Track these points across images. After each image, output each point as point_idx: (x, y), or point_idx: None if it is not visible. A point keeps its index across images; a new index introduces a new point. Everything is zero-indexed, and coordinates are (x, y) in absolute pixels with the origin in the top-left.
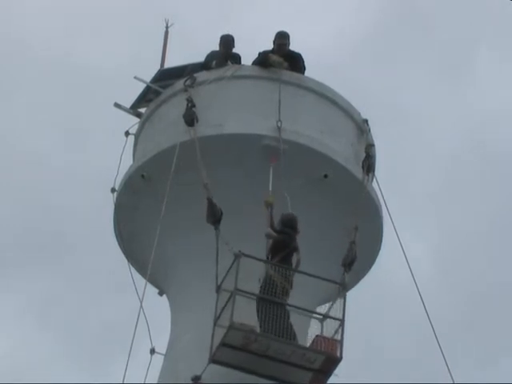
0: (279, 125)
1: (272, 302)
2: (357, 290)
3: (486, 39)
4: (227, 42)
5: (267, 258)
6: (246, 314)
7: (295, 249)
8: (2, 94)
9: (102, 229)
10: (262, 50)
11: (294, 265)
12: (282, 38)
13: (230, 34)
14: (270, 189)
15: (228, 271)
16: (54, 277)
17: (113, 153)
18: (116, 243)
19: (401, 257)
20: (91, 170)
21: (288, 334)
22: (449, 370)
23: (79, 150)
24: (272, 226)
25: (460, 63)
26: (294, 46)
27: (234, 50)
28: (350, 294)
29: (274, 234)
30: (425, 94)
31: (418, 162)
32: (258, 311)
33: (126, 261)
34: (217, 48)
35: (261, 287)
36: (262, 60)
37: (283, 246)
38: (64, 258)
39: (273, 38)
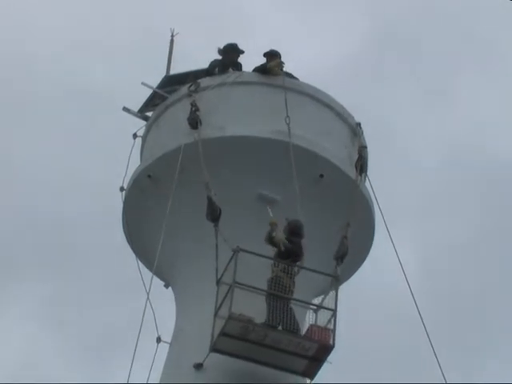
0: (287, 121)
1: (278, 296)
2: (350, 282)
3: (468, 63)
4: (232, 49)
5: (274, 263)
6: (245, 305)
7: (301, 255)
8: (14, 105)
9: (109, 230)
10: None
11: (296, 270)
12: (272, 52)
13: (235, 43)
14: (271, 214)
15: (227, 265)
16: (63, 276)
17: (121, 154)
18: (122, 244)
19: (392, 254)
20: (100, 171)
21: (293, 326)
22: (440, 368)
23: (89, 150)
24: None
25: (443, 85)
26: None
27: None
28: (343, 287)
29: (286, 241)
30: (411, 111)
31: (404, 173)
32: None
33: (132, 260)
34: (219, 57)
35: (269, 286)
36: (261, 67)
37: (291, 253)
38: (74, 258)
39: (264, 56)
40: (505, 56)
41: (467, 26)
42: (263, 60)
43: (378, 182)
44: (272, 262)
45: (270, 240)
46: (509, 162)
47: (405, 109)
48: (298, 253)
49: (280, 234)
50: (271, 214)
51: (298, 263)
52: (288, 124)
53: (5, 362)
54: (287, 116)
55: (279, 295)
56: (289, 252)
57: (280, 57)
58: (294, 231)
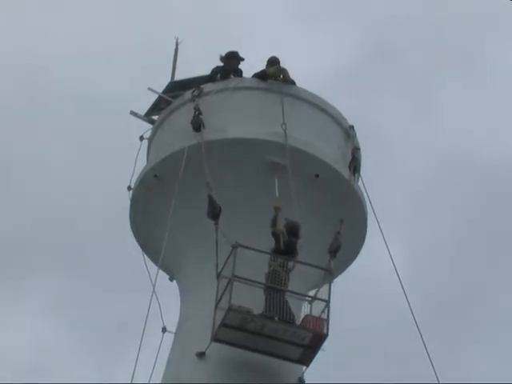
0: (284, 128)
1: (275, 289)
2: (343, 276)
3: (453, 74)
4: (233, 57)
5: (271, 258)
6: (244, 297)
7: (295, 254)
8: (29, 110)
9: (117, 228)
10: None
11: (291, 266)
12: (273, 58)
13: (236, 50)
14: (277, 195)
15: (226, 260)
16: (74, 272)
17: (129, 155)
18: (130, 241)
19: (383, 249)
20: (109, 172)
21: (288, 317)
22: (433, 368)
23: (98, 152)
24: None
25: (429, 92)
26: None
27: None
28: (337, 280)
29: (285, 233)
30: (400, 118)
31: (394, 175)
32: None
33: (139, 257)
34: (220, 63)
35: (267, 279)
36: (261, 74)
37: (287, 251)
38: (84, 256)
39: (265, 63)
40: (487, 68)
41: (454, 39)
42: (263, 67)
43: (370, 182)
44: (269, 257)
45: (273, 226)
46: (492, 164)
47: (394, 116)
48: (293, 252)
49: (281, 227)
50: (277, 192)
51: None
52: (284, 130)
53: (17, 356)
54: (283, 123)
55: (276, 288)
56: (286, 248)
57: (279, 63)
58: (292, 231)
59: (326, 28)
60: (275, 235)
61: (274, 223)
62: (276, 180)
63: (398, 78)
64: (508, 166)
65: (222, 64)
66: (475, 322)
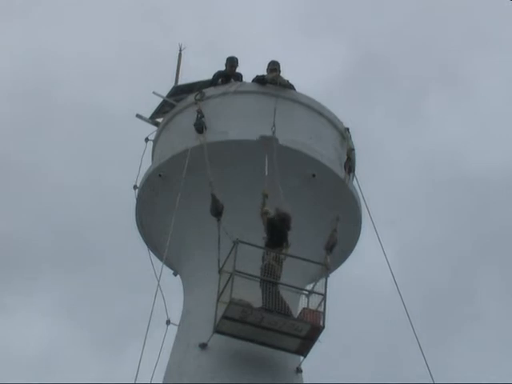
0: (273, 130)
1: (269, 281)
2: (339, 271)
3: (436, 85)
4: (232, 62)
5: (265, 251)
6: (245, 291)
7: (286, 244)
8: (41, 114)
9: (123, 228)
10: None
11: (284, 257)
12: (273, 65)
13: (235, 56)
14: (266, 173)
15: (228, 255)
16: (84, 269)
17: (135, 156)
18: (135, 240)
19: (376, 245)
20: (116, 172)
21: (283, 307)
22: (428, 369)
23: (106, 153)
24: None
25: (414, 105)
26: None
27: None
28: (333, 275)
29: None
30: (388, 126)
31: (386, 178)
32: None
33: (143, 255)
34: (222, 68)
35: (262, 272)
36: (260, 79)
37: (277, 241)
38: (93, 253)
39: (268, 66)
40: (471, 79)
41: (439, 51)
42: (258, 72)
43: (365, 183)
44: (263, 250)
45: (262, 214)
46: (475, 167)
47: (383, 124)
48: (285, 242)
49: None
50: (266, 171)
51: (283, 251)
52: (273, 131)
53: (27, 352)
54: (273, 125)
55: (272, 281)
56: (277, 238)
57: (279, 66)
58: (283, 222)
59: (320, 41)
60: (265, 224)
61: (262, 213)
62: (266, 156)
63: (385, 90)
64: (489, 168)
65: (223, 69)
66: (462, 319)
